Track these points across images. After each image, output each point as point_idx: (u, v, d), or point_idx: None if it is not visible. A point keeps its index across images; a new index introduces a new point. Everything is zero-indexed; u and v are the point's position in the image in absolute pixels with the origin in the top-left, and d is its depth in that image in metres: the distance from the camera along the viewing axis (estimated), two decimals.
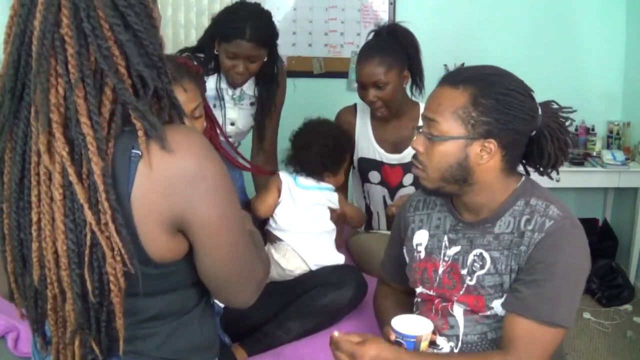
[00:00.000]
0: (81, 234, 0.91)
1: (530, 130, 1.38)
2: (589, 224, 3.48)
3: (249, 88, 2.39)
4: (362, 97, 2.31)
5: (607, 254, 3.50)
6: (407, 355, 1.33)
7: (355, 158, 2.45)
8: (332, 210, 2.13)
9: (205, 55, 2.26)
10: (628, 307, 3.21)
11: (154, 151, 0.92)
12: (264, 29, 2.21)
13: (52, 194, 0.90)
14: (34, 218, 0.92)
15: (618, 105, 3.68)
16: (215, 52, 2.23)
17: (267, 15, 2.26)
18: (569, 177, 3.24)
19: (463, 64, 3.30)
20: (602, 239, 3.60)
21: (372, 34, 2.36)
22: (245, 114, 2.42)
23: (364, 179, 2.46)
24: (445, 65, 3.38)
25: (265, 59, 2.26)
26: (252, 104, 2.42)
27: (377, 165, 2.41)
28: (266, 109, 2.39)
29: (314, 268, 2.01)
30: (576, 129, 3.63)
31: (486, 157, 1.35)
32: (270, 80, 2.37)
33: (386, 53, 2.23)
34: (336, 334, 1.34)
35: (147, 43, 0.93)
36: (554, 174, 1.46)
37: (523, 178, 1.45)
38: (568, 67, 3.60)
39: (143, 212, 0.93)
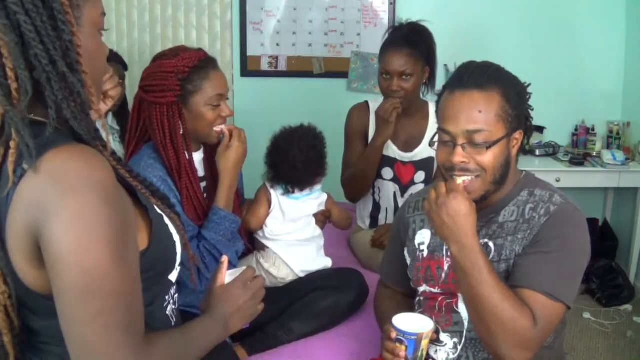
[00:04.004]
0: None
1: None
2: (589, 224, 3.40)
3: (112, 122, 2.74)
4: (385, 86, 2.36)
5: (607, 254, 3.50)
6: (476, 243, 1.28)
7: None
8: (316, 214, 2.04)
9: None
10: (628, 307, 3.21)
11: (27, 172, 0.84)
12: None
13: None
14: None
15: (618, 105, 3.67)
16: None
17: None
18: (569, 177, 3.22)
19: (446, 66, 3.33)
20: (602, 239, 3.59)
21: (392, 30, 2.41)
22: (118, 145, 2.71)
23: (377, 175, 2.47)
24: (446, 65, 3.38)
25: None
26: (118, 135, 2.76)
27: (391, 162, 2.45)
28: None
29: (301, 275, 1.99)
30: (576, 129, 3.64)
31: (516, 148, 1.40)
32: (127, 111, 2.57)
33: (414, 46, 2.31)
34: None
35: (35, 44, 0.85)
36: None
37: (524, 171, 1.48)
38: (568, 67, 3.60)
39: (12, 238, 0.86)
